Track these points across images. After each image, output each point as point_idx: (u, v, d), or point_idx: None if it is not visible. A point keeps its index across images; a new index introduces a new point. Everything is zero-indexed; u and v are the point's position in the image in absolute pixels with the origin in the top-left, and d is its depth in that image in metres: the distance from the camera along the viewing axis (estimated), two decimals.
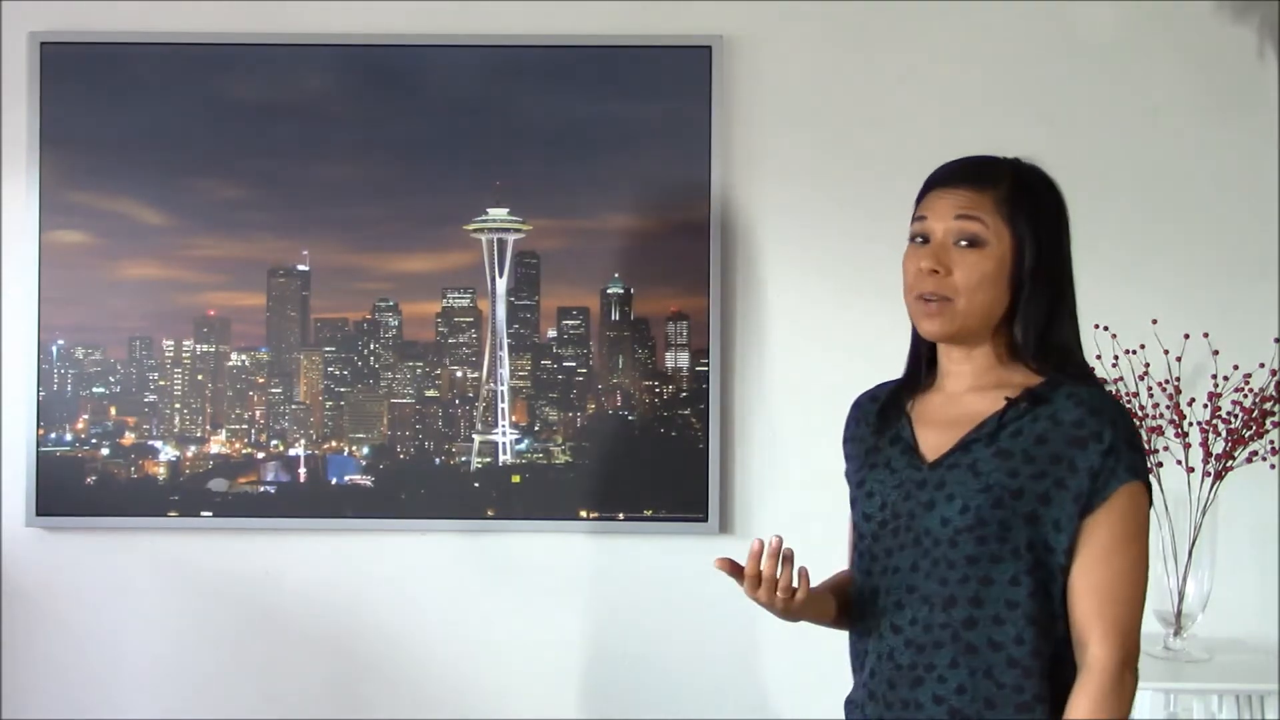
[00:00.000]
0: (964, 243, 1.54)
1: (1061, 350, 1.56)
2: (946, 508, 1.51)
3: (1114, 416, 1.50)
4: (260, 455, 2.73)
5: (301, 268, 2.73)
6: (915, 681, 1.52)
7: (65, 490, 2.70)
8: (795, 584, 1.53)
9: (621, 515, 2.70)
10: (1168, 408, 2.51)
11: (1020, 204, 1.55)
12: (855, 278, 2.69)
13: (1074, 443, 1.48)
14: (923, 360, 1.64)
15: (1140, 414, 2.50)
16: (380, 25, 2.72)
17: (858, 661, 1.64)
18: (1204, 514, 2.48)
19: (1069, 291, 1.58)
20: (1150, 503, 1.52)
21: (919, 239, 1.58)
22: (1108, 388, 2.47)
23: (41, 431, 2.70)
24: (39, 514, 2.70)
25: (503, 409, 2.73)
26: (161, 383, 2.74)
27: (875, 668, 1.57)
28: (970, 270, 1.53)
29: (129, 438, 2.73)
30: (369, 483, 2.73)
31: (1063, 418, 1.50)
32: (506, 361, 2.74)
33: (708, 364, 2.69)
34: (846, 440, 1.72)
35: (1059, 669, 1.50)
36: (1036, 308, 1.55)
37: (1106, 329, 2.45)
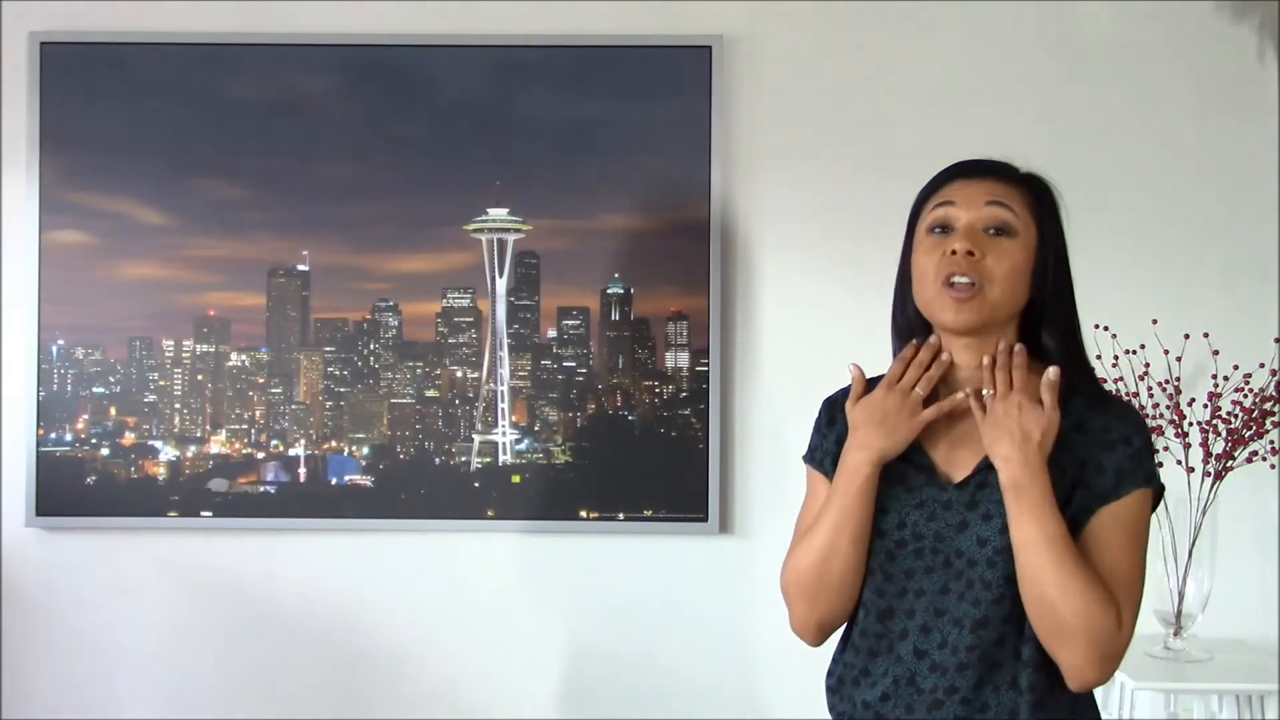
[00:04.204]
0: (994, 230, 1.49)
1: (1079, 361, 1.55)
2: (983, 528, 1.48)
3: (1138, 421, 1.51)
4: (260, 455, 2.73)
5: (301, 268, 2.73)
6: (934, 704, 1.49)
7: (65, 490, 2.70)
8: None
9: (621, 515, 2.70)
10: (1168, 408, 2.51)
11: (1044, 204, 1.54)
12: (855, 277, 2.69)
13: (1102, 446, 1.48)
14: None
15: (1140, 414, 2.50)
16: (380, 25, 2.72)
17: (850, 673, 1.57)
18: (1204, 514, 2.48)
19: (1075, 301, 1.56)
20: (1154, 508, 1.52)
21: (938, 229, 1.52)
22: (1107, 388, 2.48)
23: (41, 431, 2.70)
24: (39, 514, 2.70)
25: (503, 409, 2.73)
26: (161, 383, 2.74)
27: (890, 691, 1.52)
28: (1003, 257, 1.49)
29: (129, 438, 2.73)
30: (369, 483, 2.73)
31: (1089, 425, 1.49)
32: (506, 361, 2.74)
33: (708, 364, 2.69)
34: (829, 437, 1.64)
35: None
36: (1061, 316, 1.53)
37: (1106, 329, 2.45)
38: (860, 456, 1.52)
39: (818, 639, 1.62)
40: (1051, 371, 1.47)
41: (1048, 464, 1.45)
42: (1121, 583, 1.46)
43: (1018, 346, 1.51)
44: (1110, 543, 1.47)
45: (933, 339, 1.55)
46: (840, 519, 1.53)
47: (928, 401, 1.55)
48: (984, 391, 1.50)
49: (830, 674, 1.62)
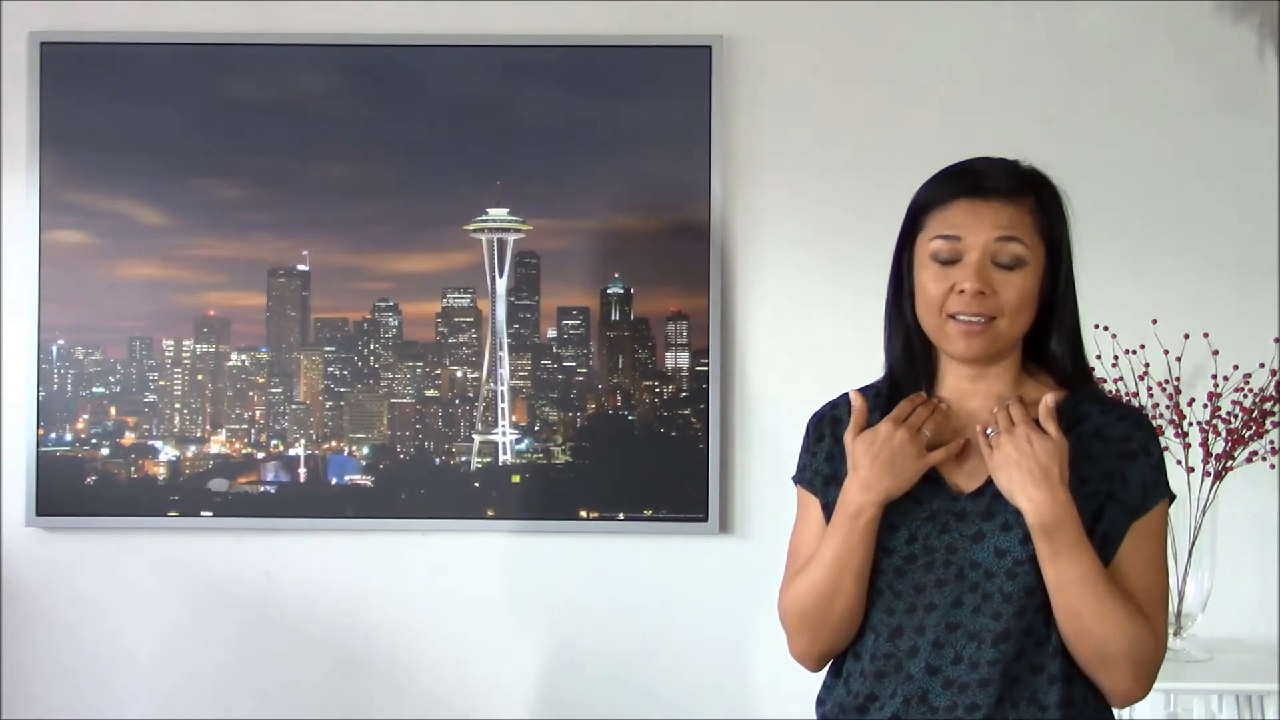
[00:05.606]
0: (1004, 262, 1.46)
1: (1083, 364, 1.55)
2: (1002, 538, 1.45)
3: (1151, 428, 1.51)
4: (260, 455, 2.73)
5: (301, 268, 2.73)
6: None
7: (65, 490, 2.70)
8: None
9: (621, 515, 2.70)
10: (1168, 408, 2.51)
11: (1051, 216, 1.51)
12: (855, 276, 2.68)
13: (1124, 456, 1.47)
14: (921, 379, 1.55)
15: None
16: (380, 25, 2.72)
17: (854, 701, 1.52)
18: (1204, 514, 2.48)
19: (1077, 304, 1.55)
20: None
21: (944, 258, 1.48)
22: (1107, 388, 2.48)
23: (41, 431, 2.70)
24: (39, 514, 2.70)
25: (503, 409, 2.73)
26: (161, 383, 2.74)
27: (900, 712, 1.47)
28: (1014, 291, 1.46)
29: (129, 438, 2.73)
30: (369, 483, 2.73)
31: (1109, 433, 1.48)
32: (506, 361, 2.74)
33: (708, 364, 2.69)
34: (818, 455, 1.61)
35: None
36: (1069, 323, 1.52)
37: (1106, 329, 2.45)
38: (865, 498, 1.47)
39: (819, 667, 1.60)
40: (1049, 398, 1.45)
41: (1083, 481, 1.44)
42: (1153, 598, 1.46)
43: (1013, 398, 1.49)
44: (1141, 561, 1.47)
45: (935, 400, 1.53)
46: (843, 557, 1.49)
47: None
48: (987, 430, 1.48)
49: (821, 701, 1.59)
